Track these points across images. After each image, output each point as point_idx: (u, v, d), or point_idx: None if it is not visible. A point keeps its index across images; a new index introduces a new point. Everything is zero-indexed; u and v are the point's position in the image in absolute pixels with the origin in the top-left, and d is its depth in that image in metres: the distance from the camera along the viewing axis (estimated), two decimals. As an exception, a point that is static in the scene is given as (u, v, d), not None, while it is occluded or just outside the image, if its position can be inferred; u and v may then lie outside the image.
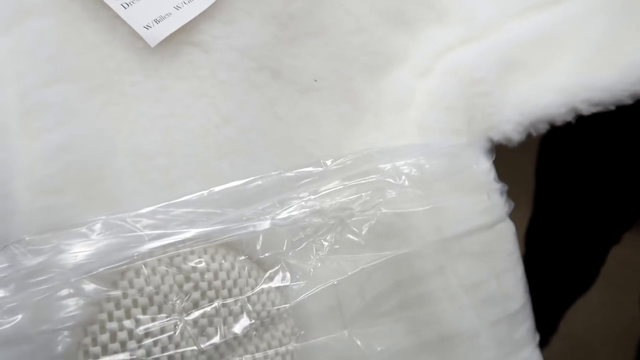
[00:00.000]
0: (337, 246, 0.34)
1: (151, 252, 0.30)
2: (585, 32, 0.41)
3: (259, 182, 0.33)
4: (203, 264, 0.31)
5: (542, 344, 0.40)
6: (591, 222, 0.77)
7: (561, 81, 0.40)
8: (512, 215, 0.40)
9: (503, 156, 0.42)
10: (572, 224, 0.78)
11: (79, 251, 0.29)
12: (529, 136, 0.41)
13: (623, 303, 1.28)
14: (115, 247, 0.29)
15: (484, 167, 0.39)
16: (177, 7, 0.35)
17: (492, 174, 0.39)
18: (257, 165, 0.34)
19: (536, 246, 0.86)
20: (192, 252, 0.31)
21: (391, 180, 0.36)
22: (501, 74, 0.40)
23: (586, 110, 0.39)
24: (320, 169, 0.35)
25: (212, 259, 0.31)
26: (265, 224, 0.32)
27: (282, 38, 0.38)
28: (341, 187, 0.35)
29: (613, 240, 0.81)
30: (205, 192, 0.32)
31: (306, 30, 0.39)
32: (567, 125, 0.41)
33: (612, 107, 0.40)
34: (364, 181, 0.35)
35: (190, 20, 0.35)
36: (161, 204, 0.31)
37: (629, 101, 0.40)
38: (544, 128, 0.41)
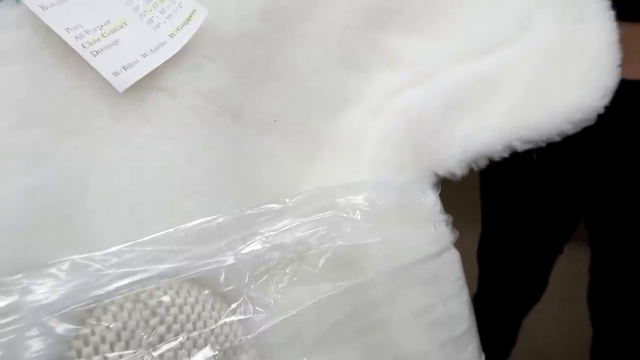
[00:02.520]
0: (296, 278, 0.36)
1: (118, 290, 0.31)
2: (518, 76, 0.45)
3: (222, 220, 0.36)
4: (168, 299, 0.33)
5: (504, 358, 0.43)
6: (533, 235, 0.83)
7: (498, 121, 0.44)
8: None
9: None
10: (516, 238, 0.84)
11: (48, 291, 0.30)
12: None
13: (578, 316, 1.34)
14: (83, 286, 0.31)
15: (431, 200, 0.42)
16: (144, 55, 0.37)
17: (438, 206, 0.43)
18: (220, 203, 0.37)
19: (487, 263, 0.91)
20: (157, 288, 0.33)
21: (345, 215, 0.38)
22: (445, 114, 0.44)
23: (520, 147, 0.44)
24: (280, 206, 0.38)
25: (177, 294, 0.33)
26: (229, 259, 0.35)
27: (243, 82, 0.41)
28: (299, 222, 0.37)
29: (556, 250, 0.86)
30: (171, 230, 0.34)
31: (266, 75, 0.42)
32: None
33: (543, 144, 0.44)
34: (320, 216, 0.38)
35: (157, 67, 0.37)
36: (129, 243, 0.33)
37: (558, 139, 0.44)
38: (484, 163, 0.45)
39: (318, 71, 0.44)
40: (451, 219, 0.44)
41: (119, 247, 0.33)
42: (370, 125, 0.44)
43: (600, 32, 0.46)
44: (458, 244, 0.44)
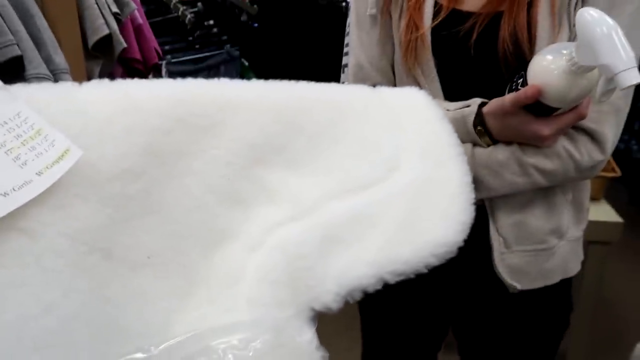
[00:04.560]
0: None
1: None
2: (389, 213, 0.49)
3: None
4: None
5: None
6: (409, 345, 0.86)
7: (372, 256, 0.46)
8: None
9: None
10: (394, 349, 0.86)
11: None
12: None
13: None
14: None
15: (307, 337, 0.43)
16: (5, 194, 0.35)
17: (314, 343, 0.43)
18: (75, 355, 0.34)
19: None
20: None
21: (218, 361, 0.37)
22: (322, 249, 0.46)
23: (392, 279, 0.46)
24: (145, 355, 0.36)
25: None
26: None
27: (117, 219, 0.40)
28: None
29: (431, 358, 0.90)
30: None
31: (143, 210, 0.42)
32: None
33: (413, 276, 0.47)
34: (190, 365, 0.37)
35: (19, 207, 0.36)
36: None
37: (425, 271, 0.48)
38: (359, 296, 0.46)
39: (198, 206, 0.44)
40: (327, 355, 0.44)
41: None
42: (248, 260, 0.44)
43: (456, 173, 0.52)
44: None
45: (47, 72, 1.00)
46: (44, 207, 0.37)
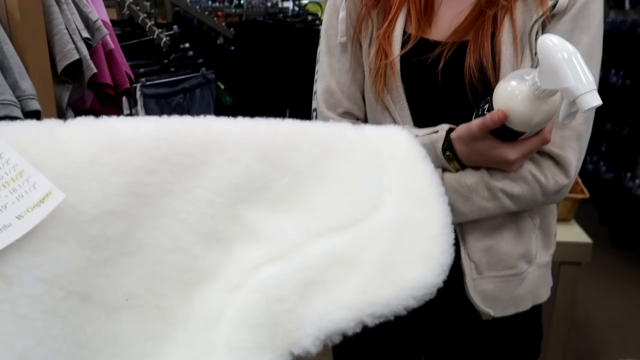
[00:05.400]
0: None
1: None
2: (368, 254, 0.49)
3: None
4: None
5: None
6: None
7: (351, 298, 0.47)
8: None
9: None
10: None
11: None
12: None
13: None
14: None
15: (285, 382, 0.42)
16: (-18, 238, 0.34)
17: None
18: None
19: None
20: None
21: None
22: (302, 292, 0.46)
23: (371, 322, 0.47)
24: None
25: None
26: None
27: (96, 261, 0.39)
28: None
29: None
30: None
31: (123, 251, 0.41)
32: None
33: (392, 319, 0.48)
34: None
35: (-4, 251, 0.35)
36: None
37: (404, 313, 0.48)
38: (338, 339, 0.46)
39: (178, 246, 0.44)
40: (305, 400, 0.44)
41: None
42: (228, 302, 0.44)
43: (437, 213, 0.53)
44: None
45: (13, 99, 0.98)
46: (21, 251, 0.36)
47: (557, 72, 0.50)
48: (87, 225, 0.39)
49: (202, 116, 0.48)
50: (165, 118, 0.46)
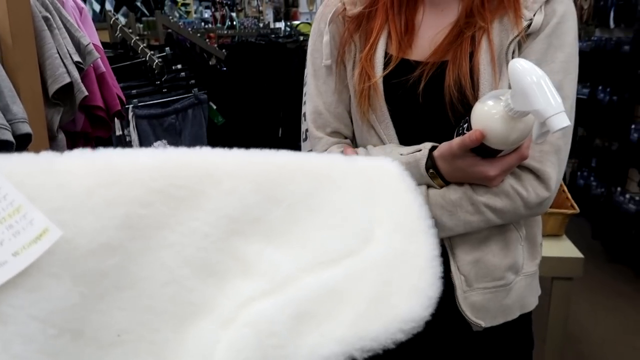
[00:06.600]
0: None
1: None
2: (360, 288, 0.49)
3: None
4: None
5: None
6: None
7: (341, 332, 0.46)
8: None
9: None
10: None
11: None
12: None
13: None
14: None
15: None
16: (-23, 277, 0.34)
17: None
18: None
19: None
20: None
21: None
22: (294, 326, 0.45)
23: (360, 357, 0.46)
24: None
25: None
26: None
27: (89, 296, 0.39)
28: None
29: None
30: None
31: (117, 285, 0.41)
32: None
33: (380, 352, 0.47)
34: None
35: (-10, 289, 0.34)
36: None
37: (393, 346, 0.48)
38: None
39: (173, 279, 0.44)
40: None
41: None
42: (220, 337, 0.44)
43: (425, 246, 0.53)
44: None
45: (4, 122, 0.98)
46: (17, 289, 0.35)
47: (527, 95, 0.52)
48: (82, 260, 0.39)
49: (198, 147, 0.48)
50: (162, 150, 0.46)
